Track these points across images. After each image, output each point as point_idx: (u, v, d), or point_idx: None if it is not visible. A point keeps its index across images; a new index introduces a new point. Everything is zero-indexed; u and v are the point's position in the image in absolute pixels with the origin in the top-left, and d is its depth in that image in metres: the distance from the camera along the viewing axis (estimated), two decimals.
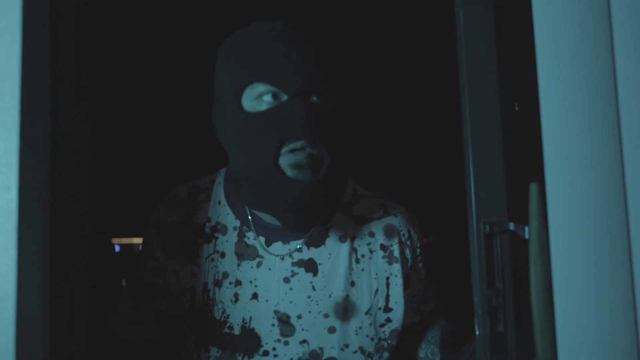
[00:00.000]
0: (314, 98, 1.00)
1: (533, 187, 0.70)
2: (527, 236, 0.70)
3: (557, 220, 0.68)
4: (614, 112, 0.69)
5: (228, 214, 1.13)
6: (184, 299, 1.11)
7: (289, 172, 0.97)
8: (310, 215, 1.03)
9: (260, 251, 1.10)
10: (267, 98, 0.99)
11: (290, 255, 1.10)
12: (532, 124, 0.69)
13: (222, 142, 1.09)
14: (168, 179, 1.18)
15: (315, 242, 1.11)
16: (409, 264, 1.15)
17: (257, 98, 1.00)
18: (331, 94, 1.02)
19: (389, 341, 1.13)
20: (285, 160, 0.97)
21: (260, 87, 0.99)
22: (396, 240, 1.14)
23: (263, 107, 0.99)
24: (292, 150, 0.97)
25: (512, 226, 0.71)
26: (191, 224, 1.14)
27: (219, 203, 1.15)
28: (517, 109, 0.74)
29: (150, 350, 1.18)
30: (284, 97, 0.98)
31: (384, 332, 1.12)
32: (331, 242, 1.12)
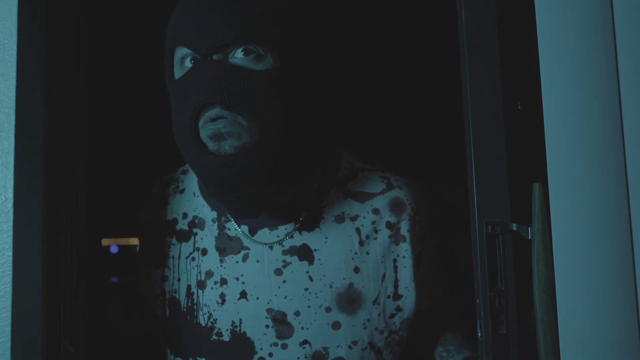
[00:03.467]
0: (240, 54, 0.84)
1: (536, 187, 0.69)
2: (529, 237, 0.69)
3: (561, 220, 0.67)
4: (617, 111, 0.69)
5: (203, 205, 1.01)
6: (156, 307, 1.02)
7: (210, 146, 0.84)
8: (251, 195, 0.88)
9: (245, 242, 0.98)
10: (187, 63, 0.86)
11: (280, 243, 0.97)
12: (535, 123, 0.69)
13: None
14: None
15: (308, 225, 0.98)
16: (420, 242, 1.01)
17: (181, 65, 0.87)
18: (274, 46, 0.85)
19: (400, 333, 1.01)
20: (205, 132, 0.83)
21: (181, 52, 0.87)
22: (404, 215, 1.00)
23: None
24: (213, 120, 0.83)
25: (514, 227, 0.71)
26: (159, 221, 1.03)
27: (194, 195, 1.03)
28: (519, 107, 0.73)
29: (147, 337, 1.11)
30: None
31: (394, 323, 1.00)
32: (326, 223, 0.99)
